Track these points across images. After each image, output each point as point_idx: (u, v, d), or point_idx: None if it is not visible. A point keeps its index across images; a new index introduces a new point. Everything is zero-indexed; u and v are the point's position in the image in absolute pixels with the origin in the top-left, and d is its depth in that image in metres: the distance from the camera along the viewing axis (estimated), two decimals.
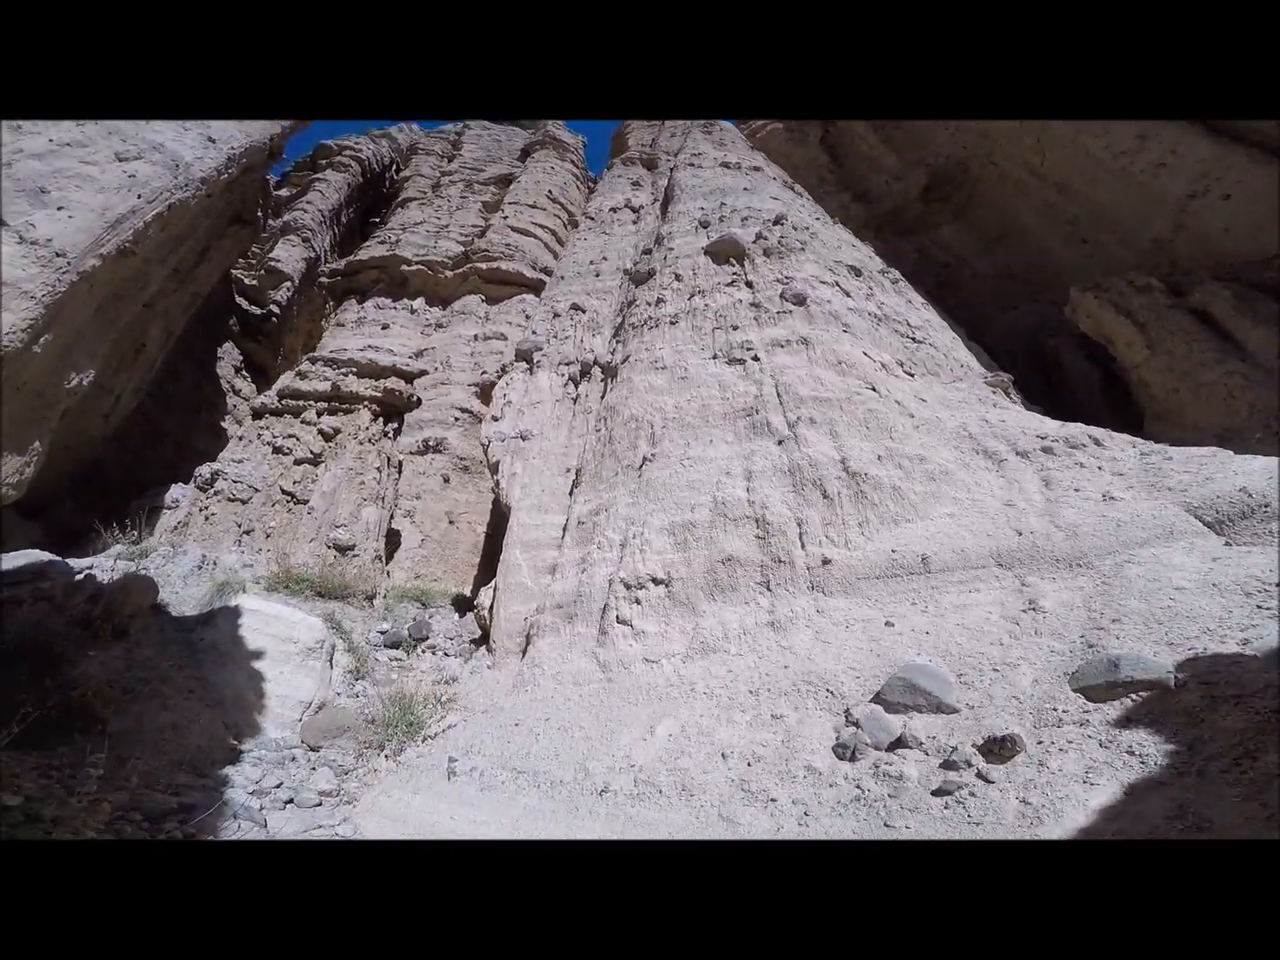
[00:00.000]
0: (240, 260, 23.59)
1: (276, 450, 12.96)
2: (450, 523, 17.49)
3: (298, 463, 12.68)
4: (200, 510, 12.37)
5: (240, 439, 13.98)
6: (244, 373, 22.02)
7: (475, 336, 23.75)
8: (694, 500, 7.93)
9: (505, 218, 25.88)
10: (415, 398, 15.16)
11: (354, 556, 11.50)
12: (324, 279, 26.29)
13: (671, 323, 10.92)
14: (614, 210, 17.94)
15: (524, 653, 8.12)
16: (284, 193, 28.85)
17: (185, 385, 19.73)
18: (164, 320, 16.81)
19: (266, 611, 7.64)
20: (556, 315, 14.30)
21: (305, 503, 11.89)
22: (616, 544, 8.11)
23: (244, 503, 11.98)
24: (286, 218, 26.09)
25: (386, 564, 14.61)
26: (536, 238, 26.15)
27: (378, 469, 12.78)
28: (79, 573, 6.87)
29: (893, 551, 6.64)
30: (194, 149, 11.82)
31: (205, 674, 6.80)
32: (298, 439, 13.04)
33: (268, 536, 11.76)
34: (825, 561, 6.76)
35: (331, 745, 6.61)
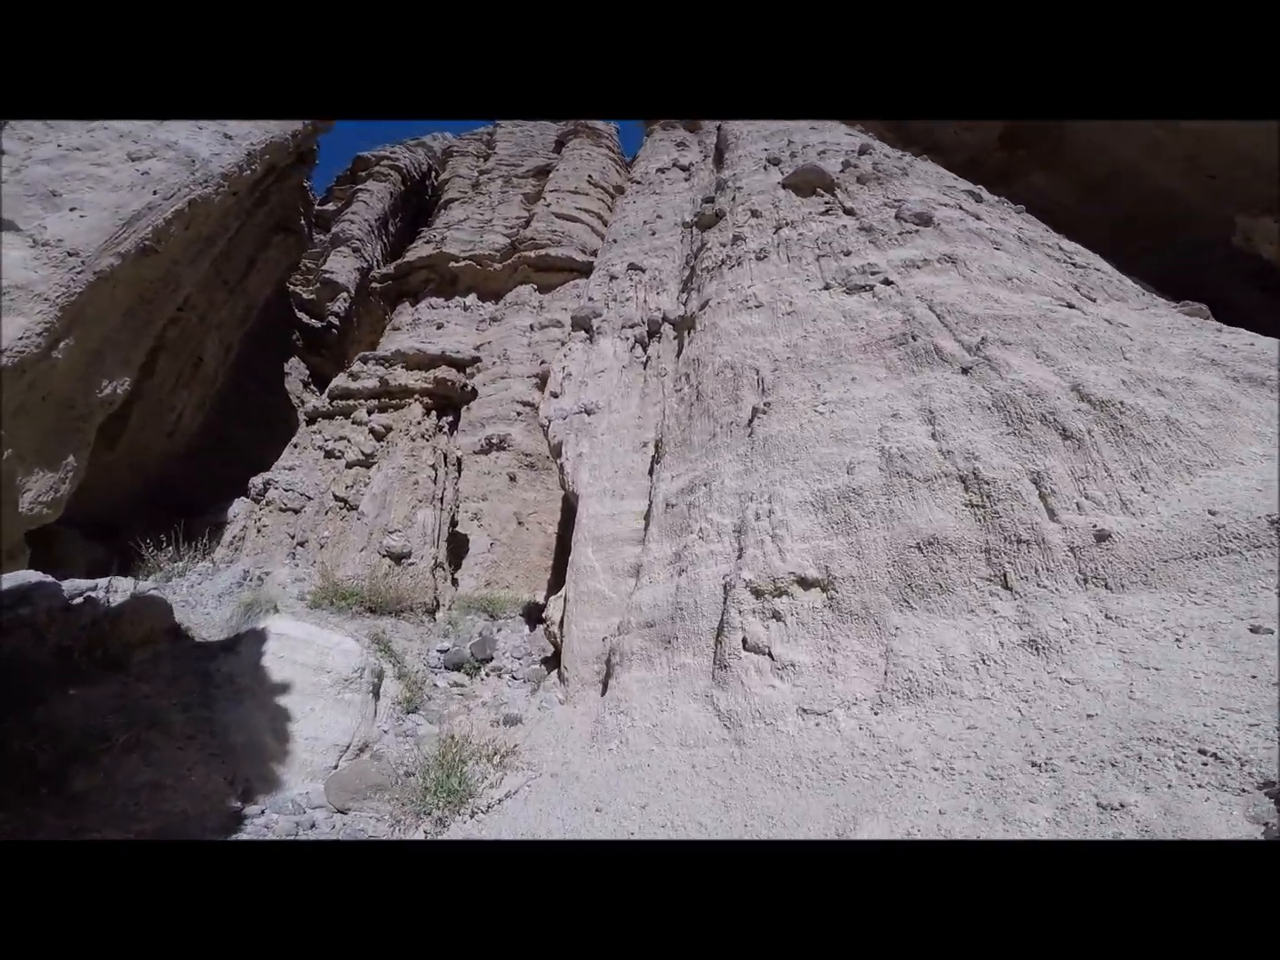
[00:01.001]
0: (297, 276, 23.81)
1: (328, 454, 11.98)
2: (519, 524, 16.19)
3: (349, 466, 11.64)
4: (254, 523, 11.53)
5: (295, 446, 13.15)
6: (311, 386, 22.03)
7: (531, 327, 22.70)
8: (848, 457, 5.84)
9: (548, 205, 25.17)
10: (469, 388, 13.93)
11: (409, 565, 10.28)
12: (376, 285, 26.28)
13: (759, 258, 8.99)
14: (661, 171, 16.49)
15: (604, 686, 6.36)
16: (330, 207, 29.28)
17: (254, 400, 19.72)
18: (219, 334, 16.53)
19: (296, 635, 6.36)
20: (613, 278, 12.70)
21: (356, 508, 10.81)
22: (728, 531, 6.17)
23: (296, 512, 11.03)
24: (335, 230, 26.39)
25: (454, 571, 13.42)
26: (582, 222, 25.25)
27: (432, 467, 11.56)
28: (78, 595, 5.79)
29: (1210, 514, 4.29)
30: (210, 145, 11.17)
31: (216, 714, 5.56)
32: (349, 441, 12.02)
33: (321, 547, 10.73)
34: (1100, 536, 4.48)
35: (362, 807, 5.15)
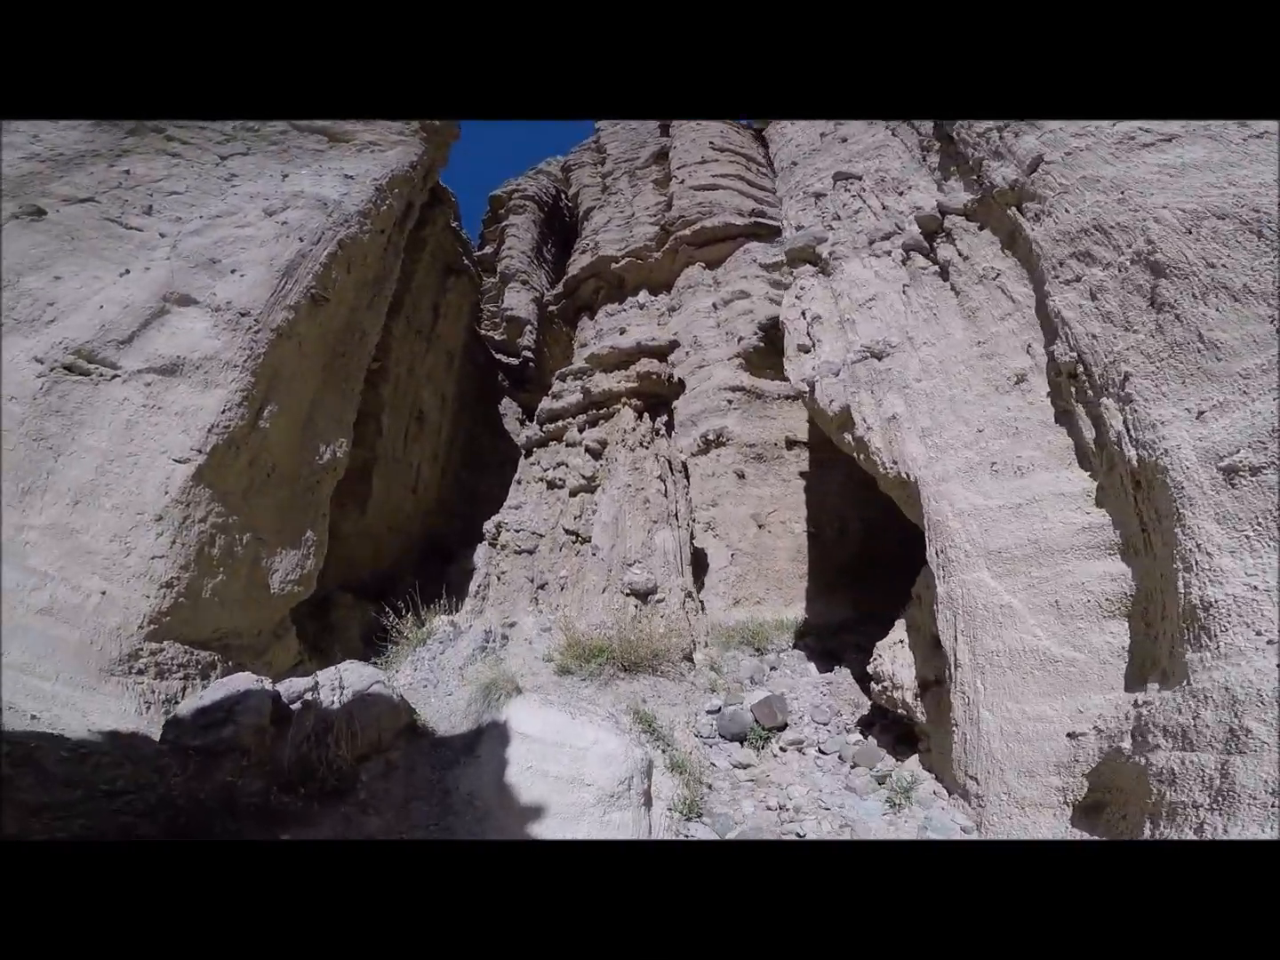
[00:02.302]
0: (483, 320, 24.69)
1: (550, 485, 10.86)
2: (759, 526, 13.82)
3: (573, 493, 10.36)
4: (494, 569, 10.75)
5: (518, 483, 12.33)
6: (527, 422, 22.39)
7: (714, 306, 20.40)
8: None
9: (681, 182, 23.61)
10: (675, 378, 12.01)
11: (658, 602, 8.50)
12: (552, 308, 26.46)
13: None
14: None
15: (1085, 817, 3.53)
16: (487, 251, 30.49)
17: (484, 446, 20.40)
18: (431, 385, 16.95)
19: (544, 738, 4.71)
20: (819, 196, 9.93)
21: (589, 540, 9.40)
22: None
23: (530, 553, 9.99)
24: (500, 268, 27.29)
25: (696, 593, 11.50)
26: (724, 188, 23.09)
27: (659, 478, 9.78)
28: (296, 699, 4.75)
29: None
30: (335, 187, 11.07)
31: None
32: (567, 466, 10.78)
33: (561, 588, 9.47)
34: None
35: None
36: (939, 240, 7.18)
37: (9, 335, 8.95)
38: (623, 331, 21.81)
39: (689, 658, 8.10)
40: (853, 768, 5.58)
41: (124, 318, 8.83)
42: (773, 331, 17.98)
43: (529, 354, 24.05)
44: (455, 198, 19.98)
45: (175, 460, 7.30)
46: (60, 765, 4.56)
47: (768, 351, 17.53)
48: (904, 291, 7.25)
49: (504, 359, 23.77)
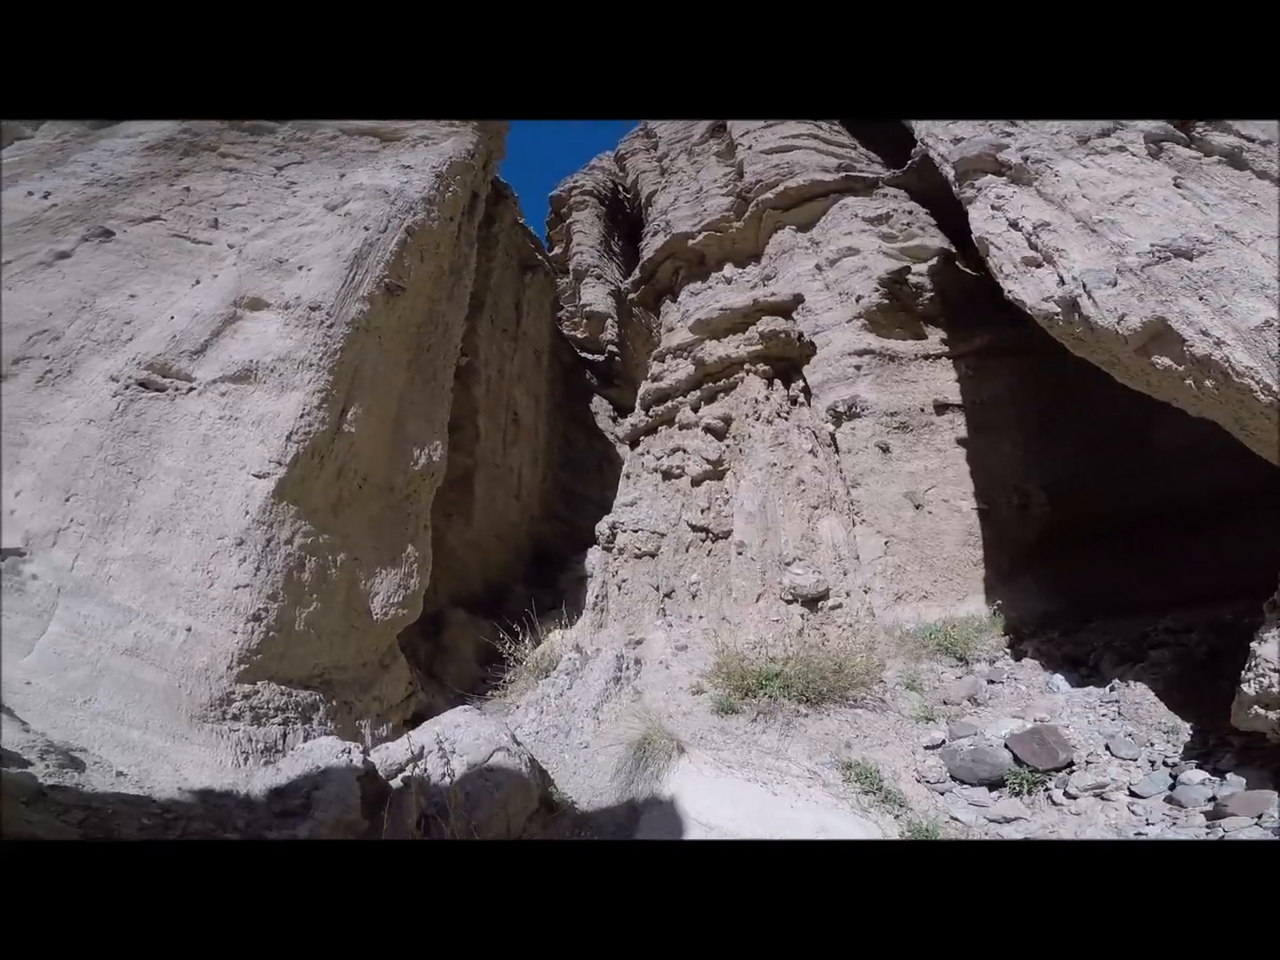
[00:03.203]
0: (564, 319, 23.96)
1: (666, 476, 9.33)
2: (916, 507, 11.67)
3: (695, 483, 8.78)
4: (612, 577, 9.35)
5: (627, 477, 10.89)
6: (619, 419, 21.46)
7: (817, 267, 18.28)
8: None
9: (749, 149, 21.96)
10: (805, 338, 10.14)
11: (833, 609, 6.68)
12: (632, 296, 25.34)
13: None
14: None
15: None
16: (557, 251, 29.90)
17: (579, 447, 19.64)
18: (524, 385, 16.05)
19: (735, 828, 3.14)
20: None
21: (725, 536, 7.78)
22: None
23: (652, 555, 8.50)
24: (572, 266, 26.51)
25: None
26: (800, 147, 21.19)
27: (811, 452, 7.99)
28: (395, 772, 3.43)
29: None
30: (394, 176, 10.41)
31: None
32: (684, 451, 9.21)
33: (693, 597, 7.90)
34: None
35: None
36: (1201, 128, 5.17)
37: (90, 358, 8.46)
38: (689, 315, 20.25)
39: (874, 672, 6.26)
40: (1212, 819, 3.61)
41: (195, 327, 8.14)
42: (896, 286, 15.73)
43: (613, 348, 22.98)
44: (517, 197, 19.27)
45: (254, 475, 6.31)
46: (143, 834, 3.78)
47: (893, 309, 15.34)
48: (1176, 184, 5.29)
49: (588, 356, 22.83)
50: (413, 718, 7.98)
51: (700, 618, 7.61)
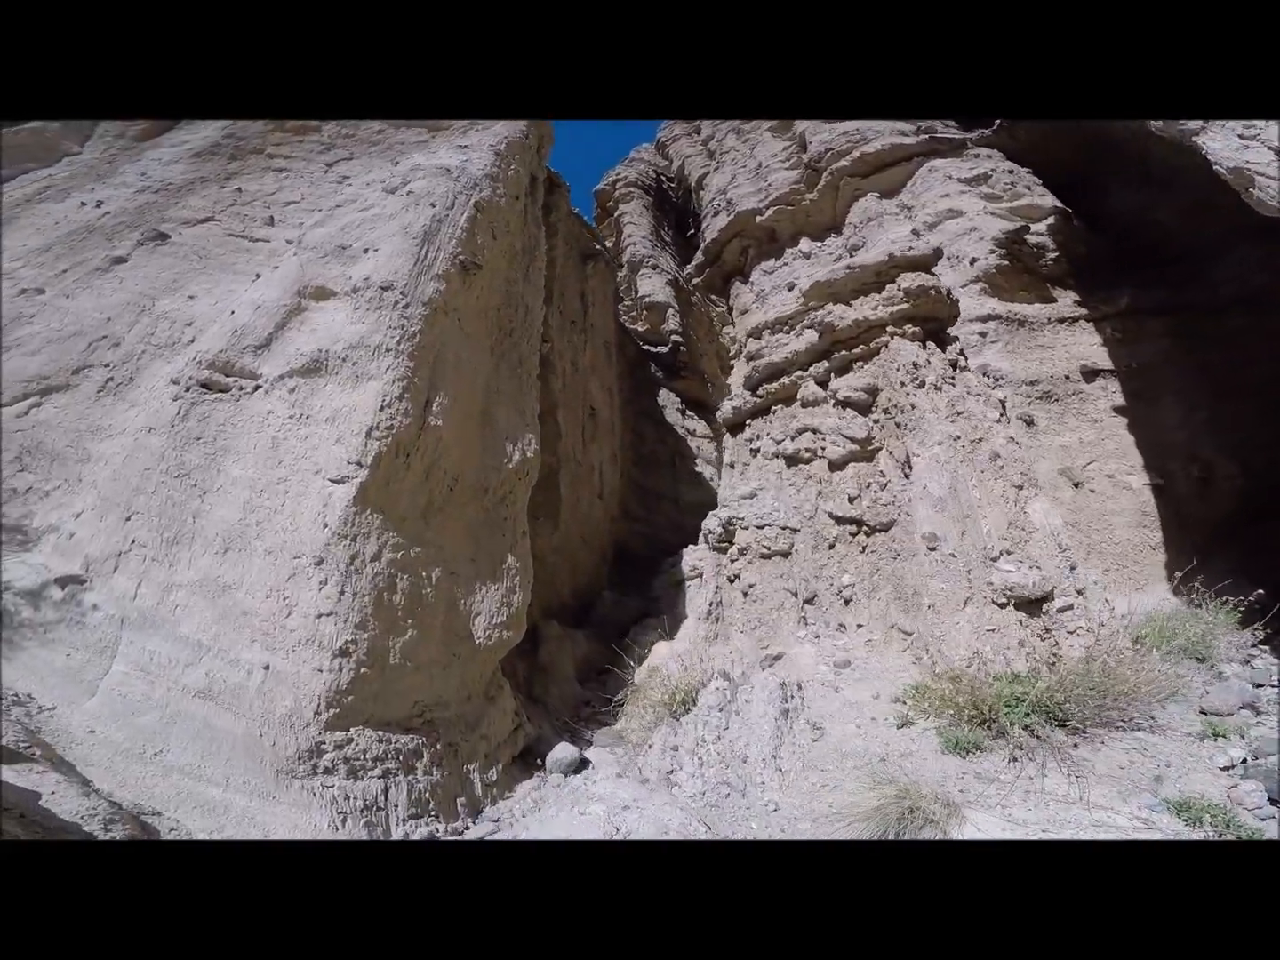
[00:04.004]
0: (623, 316, 22.91)
1: (791, 461, 7.93)
2: (1075, 485, 9.88)
3: (836, 466, 7.36)
4: (729, 581, 8.02)
5: (730, 467, 9.53)
6: (687, 412, 19.90)
7: (915, 232, 16.51)
8: None
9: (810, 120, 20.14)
10: (953, 295, 8.54)
11: (1060, 611, 5.15)
12: (697, 281, 24.08)
13: None
14: None
15: None
16: (607, 246, 29.06)
17: (650, 442, 18.53)
18: (598, 378, 15.05)
19: None
20: None
21: (885, 529, 6.33)
22: None
23: (785, 555, 7.13)
24: (625, 259, 25.27)
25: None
26: None
27: (999, 421, 6.41)
28: None
29: None
30: (452, 156, 9.66)
31: None
32: (815, 431, 7.79)
33: (846, 603, 6.48)
34: None
35: None
36: None
37: (151, 363, 7.74)
38: (791, 287, 18.70)
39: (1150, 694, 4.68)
40: None
41: (257, 321, 7.28)
42: (1015, 247, 14.05)
43: (677, 338, 21.74)
44: (569, 186, 18.41)
45: (331, 480, 5.27)
46: None
47: (1014, 270, 13.68)
48: None
49: (650, 349, 21.65)
50: (521, 752, 6.85)
51: (859, 627, 6.19)
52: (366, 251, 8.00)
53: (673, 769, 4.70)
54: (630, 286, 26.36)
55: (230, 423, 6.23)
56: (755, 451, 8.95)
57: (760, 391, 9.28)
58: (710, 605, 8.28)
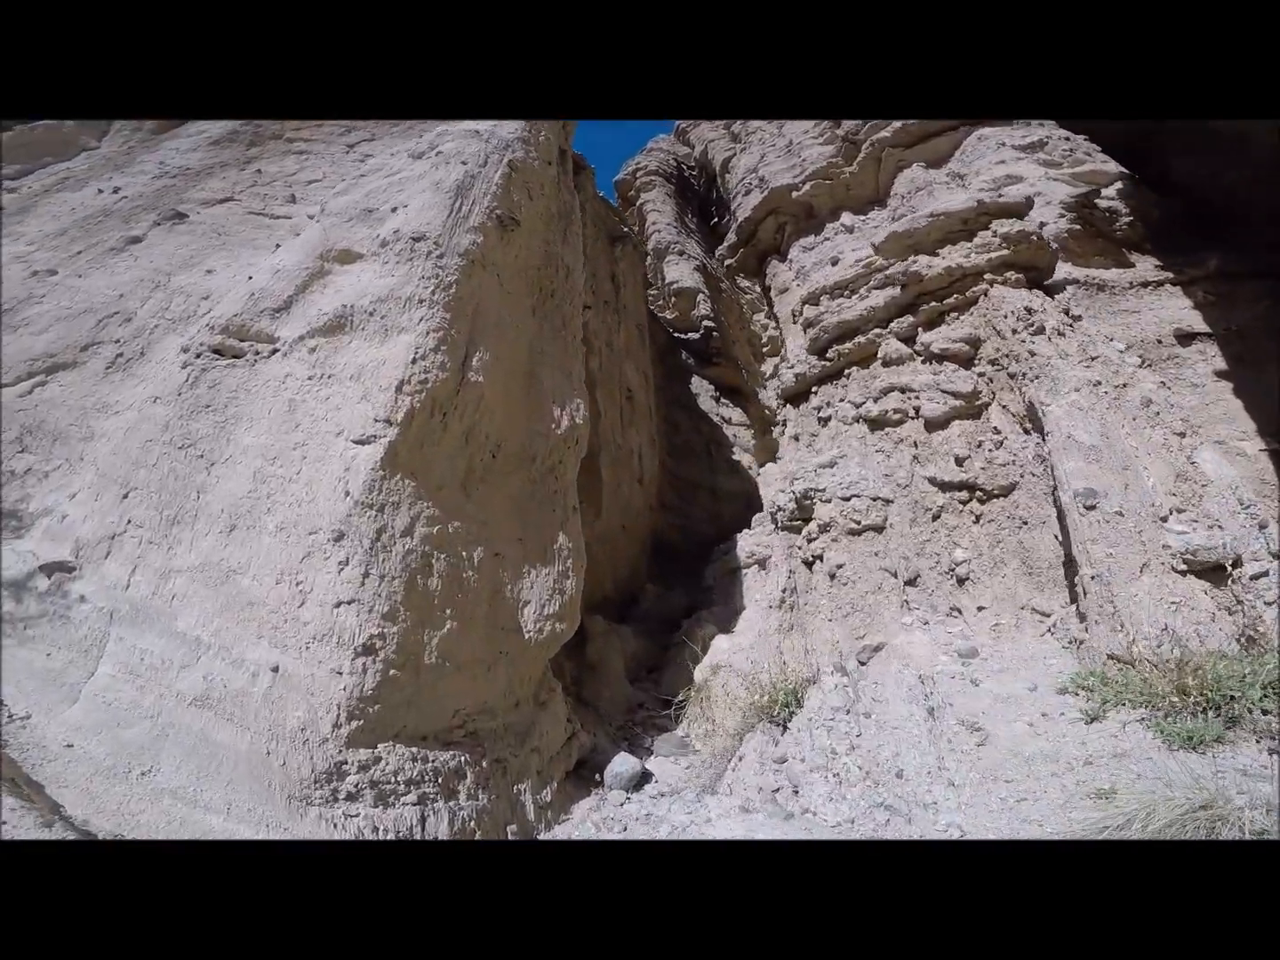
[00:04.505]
0: (651, 304, 22.17)
1: (876, 424, 6.85)
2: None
3: (935, 426, 6.27)
4: (806, 564, 6.96)
5: (796, 440, 8.49)
6: (722, 400, 18.90)
7: (978, 203, 15.17)
8: None
9: None
10: (1052, 243, 7.38)
11: (1254, 578, 3.99)
12: (730, 263, 23.20)
13: None
14: None
15: None
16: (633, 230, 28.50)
17: (684, 431, 17.76)
18: (632, 361, 14.28)
19: None
20: None
21: (1005, 494, 5.22)
22: None
23: (878, 530, 6.06)
24: (651, 246, 24.54)
25: None
26: None
27: (1143, 365, 5.24)
28: None
29: None
30: (481, 123, 8.63)
31: None
32: (904, 391, 6.71)
33: (960, 582, 5.37)
34: None
35: None
36: None
37: (164, 337, 7.08)
38: (835, 262, 17.53)
39: None
40: None
41: (277, 284, 6.58)
42: (1085, 211, 12.96)
43: (709, 324, 20.86)
44: (594, 169, 17.76)
45: (355, 442, 4.42)
46: None
47: (1087, 235, 12.51)
48: None
49: (681, 336, 20.81)
50: (575, 766, 5.91)
51: (980, 610, 5.10)
52: (395, 210, 7.29)
53: (780, 787, 3.69)
54: (656, 274, 25.61)
55: (243, 388, 5.47)
56: (826, 419, 7.90)
57: (830, 354, 8.23)
58: (784, 592, 7.25)
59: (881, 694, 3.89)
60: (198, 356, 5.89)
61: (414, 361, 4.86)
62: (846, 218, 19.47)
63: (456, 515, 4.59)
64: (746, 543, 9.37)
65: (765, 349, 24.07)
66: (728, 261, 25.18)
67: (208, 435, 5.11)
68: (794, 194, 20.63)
